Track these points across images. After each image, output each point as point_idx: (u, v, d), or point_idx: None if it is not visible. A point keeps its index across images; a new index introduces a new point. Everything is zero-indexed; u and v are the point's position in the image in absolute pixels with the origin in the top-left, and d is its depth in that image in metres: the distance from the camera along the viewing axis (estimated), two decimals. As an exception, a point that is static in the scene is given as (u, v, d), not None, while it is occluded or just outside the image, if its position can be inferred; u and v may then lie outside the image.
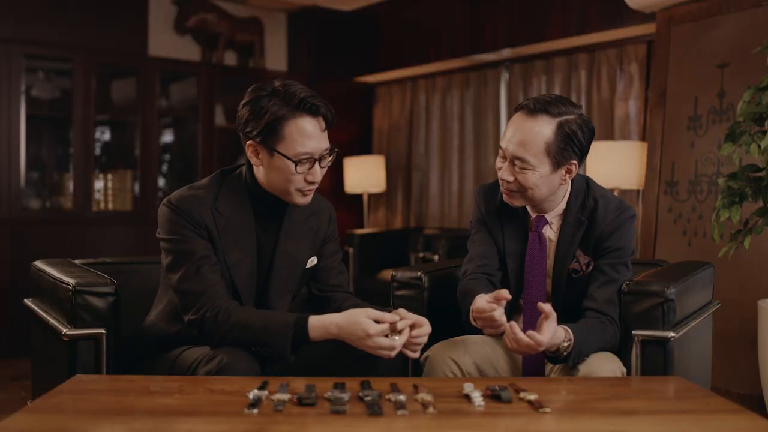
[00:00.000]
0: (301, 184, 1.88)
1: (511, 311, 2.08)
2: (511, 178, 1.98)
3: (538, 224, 2.08)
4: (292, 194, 1.89)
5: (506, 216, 2.12)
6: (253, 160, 1.89)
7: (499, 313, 1.83)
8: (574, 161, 1.98)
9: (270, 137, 1.84)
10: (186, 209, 1.87)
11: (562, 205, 2.07)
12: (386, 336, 1.73)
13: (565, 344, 1.85)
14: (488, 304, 1.84)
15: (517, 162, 1.95)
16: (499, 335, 1.94)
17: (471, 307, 1.91)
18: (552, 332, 1.80)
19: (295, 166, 1.84)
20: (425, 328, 1.79)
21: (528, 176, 1.95)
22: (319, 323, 1.78)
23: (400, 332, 1.75)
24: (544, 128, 1.93)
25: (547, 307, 1.80)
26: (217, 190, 1.93)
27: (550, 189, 2.00)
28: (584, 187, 2.08)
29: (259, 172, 1.91)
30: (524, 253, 2.09)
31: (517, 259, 2.10)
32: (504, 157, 2.00)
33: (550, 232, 2.08)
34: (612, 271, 2.01)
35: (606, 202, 2.05)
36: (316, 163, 1.87)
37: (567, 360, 1.87)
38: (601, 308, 1.98)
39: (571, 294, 2.04)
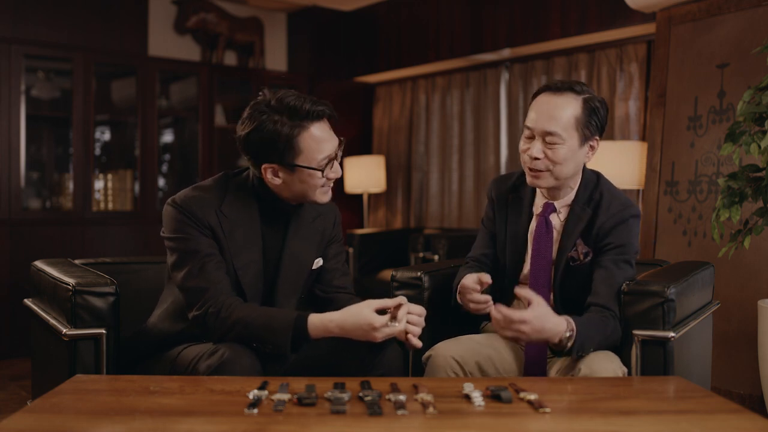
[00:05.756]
0: (326, 183, 1.92)
1: (510, 298, 2.13)
2: (541, 155, 2.02)
3: (546, 210, 2.11)
4: (318, 195, 1.92)
5: (513, 202, 2.19)
6: (273, 180, 1.89)
7: (481, 296, 2.02)
8: (597, 137, 2.06)
9: (288, 155, 1.85)
10: (190, 209, 1.89)
11: (571, 196, 2.11)
12: (387, 325, 1.79)
13: (567, 334, 1.86)
14: (473, 284, 2.01)
15: (547, 138, 2.01)
16: (485, 317, 2.10)
17: (459, 283, 2.06)
18: (539, 310, 1.82)
19: (322, 173, 1.88)
20: (421, 310, 1.86)
21: (558, 150, 2.01)
22: (319, 322, 1.80)
23: (398, 320, 1.80)
24: (571, 103, 2.01)
25: (523, 292, 1.86)
26: (223, 194, 1.93)
27: (576, 166, 2.06)
28: (594, 181, 2.13)
29: (278, 186, 1.91)
30: (525, 237, 2.14)
31: (518, 241, 2.15)
32: (531, 137, 2.05)
33: (556, 221, 2.12)
34: (614, 267, 2.03)
35: (612, 197, 2.09)
36: (335, 161, 1.91)
37: (570, 352, 1.88)
38: (604, 303, 1.99)
39: (570, 284, 2.07)
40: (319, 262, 2.06)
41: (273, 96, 1.86)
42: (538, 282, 2.08)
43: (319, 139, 1.86)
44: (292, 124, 1.83)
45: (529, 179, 2.08)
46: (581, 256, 2.05)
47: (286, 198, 1.94)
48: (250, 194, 1.96)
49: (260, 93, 1.90)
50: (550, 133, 2.00)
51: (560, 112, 1.99)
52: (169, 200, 1.93)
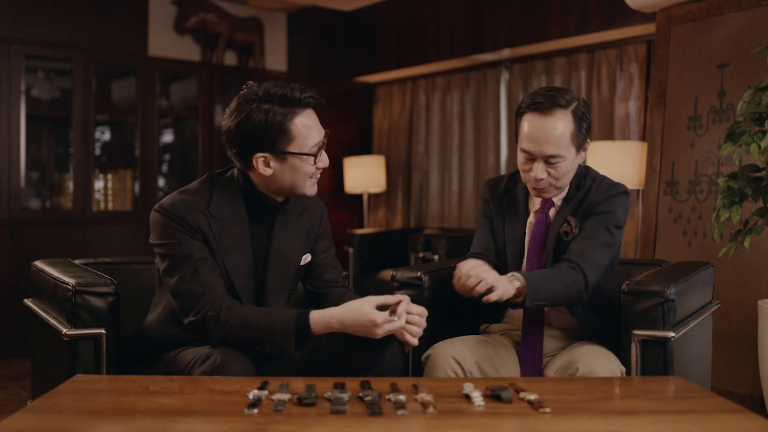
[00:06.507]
0: (314, 174, 1.93)
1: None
2: (545, 175, 2.07)
3: (545, 206, 2.16)
4: (306, 187, 1.94)
5: (508, 205, 2.23)
6: (264, 171, 1.89)
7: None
8: (588, 138, 2.13)
9: (281, 143, 1.86)
10: (179, 214, 1.88)
11: (566, 190, 2.17)
12: (387, 321, 1.80)
13: (517, 283, 1.92)
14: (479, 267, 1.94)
15: (550, 159, 2.05)
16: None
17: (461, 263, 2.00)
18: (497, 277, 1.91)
19: (315, 159, 1.90)
20: (422, 310, 1.87)
21: (560, 167, 2.06)
22: (320, 317, 1.80)
23: (398, 315, 1.81)
24: (562, 120, 2.04)
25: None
26: (209, 195, 1.93)
27: (573, 170, 2.13)
28: (583, 172, 2.21)
29: (267, 178, 1.91)
30: (524, 234, 2.18)
31: (517, 243, 2.18)
32: (531, 159, 2.07)
33: (553, 214, 2.17)
34: (592, 230, 2.08)
35: (601, 180, 2.17)
36: (323, 150, 1.93)
37: (525, 302, 1.93)
38: (571, 257, 2.03)
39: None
40: (307, 258, 2.06)
41: (259, 87, 1.88)
42: (532, 268, 2.13)
43: (309, 126, 1.88)
44: (283, 111, 1.85)
45: (534, 193, 2.14)
46: (573, 230, 2.11)
47: (274, 193, 1.95)
48: (235, 192, 1.96)
49: (244, 86, 1.91)
50: (552, 156, 2.04)
51: (555, 134, 2.02)
52: (156, 206, 1.92)
